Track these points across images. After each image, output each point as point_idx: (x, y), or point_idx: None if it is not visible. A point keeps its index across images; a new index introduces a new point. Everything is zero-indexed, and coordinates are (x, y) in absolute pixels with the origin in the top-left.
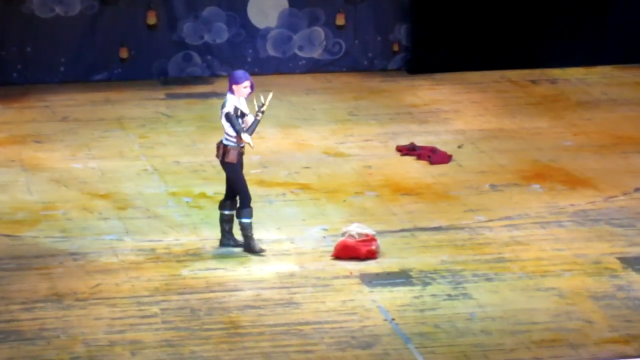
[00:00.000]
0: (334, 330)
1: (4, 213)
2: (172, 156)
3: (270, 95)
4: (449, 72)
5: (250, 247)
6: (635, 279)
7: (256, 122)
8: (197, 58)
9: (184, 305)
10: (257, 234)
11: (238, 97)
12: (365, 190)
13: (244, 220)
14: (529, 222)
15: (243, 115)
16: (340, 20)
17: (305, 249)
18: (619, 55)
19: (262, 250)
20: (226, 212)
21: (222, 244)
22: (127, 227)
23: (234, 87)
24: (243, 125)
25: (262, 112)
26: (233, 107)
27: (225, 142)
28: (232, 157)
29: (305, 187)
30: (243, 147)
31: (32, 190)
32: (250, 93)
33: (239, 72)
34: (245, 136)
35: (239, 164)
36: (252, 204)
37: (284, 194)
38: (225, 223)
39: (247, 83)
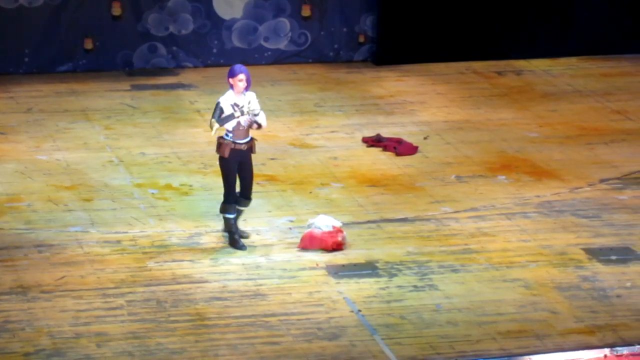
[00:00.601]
0: (300, 321)
1: None
2: (138, 147)
3: (259, 107)
4: (415, 64)
5: (232, 242)
6: (600, 269)
7: (230, 117)
8: (162, 49)
9: (150, 297)
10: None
11: (239, 92)
12: (332, 181)
13: (227, 216)
14: (495, 213)
15: (242, 111)
16: (305, 11)
17: (271, 240)
18: (584, 47)
19: (244, 247)
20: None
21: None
22: (93, 218)
23: (230, 80)
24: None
25: (242, 113)
26: (224, 99)
27: (223, 136)
28: (222, 151)
29: (271, 179)
30: (243, 144)
31: None
32: (247, 87)
33: (235, 66)
34: (213, 123)
35: (234, 160)
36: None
37: None
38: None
39: (242, 76)
